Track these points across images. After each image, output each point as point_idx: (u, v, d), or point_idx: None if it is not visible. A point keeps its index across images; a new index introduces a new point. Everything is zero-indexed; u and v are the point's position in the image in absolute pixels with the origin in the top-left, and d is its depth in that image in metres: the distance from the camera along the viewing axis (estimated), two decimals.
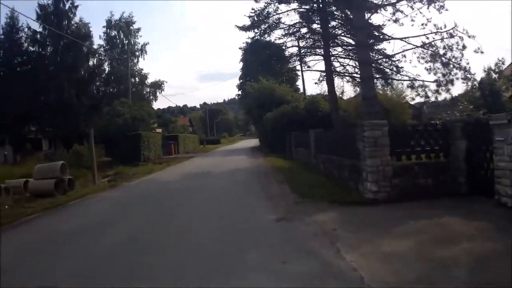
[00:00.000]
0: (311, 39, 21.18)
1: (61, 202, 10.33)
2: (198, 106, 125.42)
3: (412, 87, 17.82)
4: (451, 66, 15.97)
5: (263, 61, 31.37)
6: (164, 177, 15.39)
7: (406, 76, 17.98)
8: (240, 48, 25.78)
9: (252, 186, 10.89)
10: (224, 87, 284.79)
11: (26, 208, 9.94)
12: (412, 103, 23.97)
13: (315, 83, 22.02)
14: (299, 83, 42.60)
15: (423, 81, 17.20)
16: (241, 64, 46.26)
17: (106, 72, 40.30)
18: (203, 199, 9.50)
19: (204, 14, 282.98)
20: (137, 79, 42.04)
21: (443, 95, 17.42)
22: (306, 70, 21.71)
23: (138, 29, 42.59)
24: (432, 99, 18.43)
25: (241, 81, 46.15)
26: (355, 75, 21.43)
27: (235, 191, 10.26)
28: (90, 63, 32.81)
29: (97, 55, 33.69)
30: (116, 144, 23.11)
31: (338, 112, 19.12)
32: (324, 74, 21.12)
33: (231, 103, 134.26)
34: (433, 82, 16.78)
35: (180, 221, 7.13)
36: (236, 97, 48.76)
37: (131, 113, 24.15)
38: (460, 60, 15.78)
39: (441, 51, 15.88)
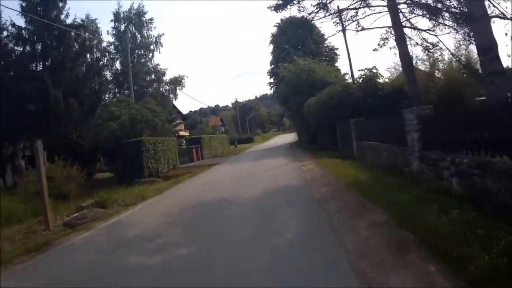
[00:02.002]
0: None
1: None
2: (230, 105, 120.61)
3: None
4: None
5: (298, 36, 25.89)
6: (147, 217, 8.88)
7: None
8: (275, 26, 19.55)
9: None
10: (255, 84, 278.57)
11: None
12: None
13: (374, 49, 16.23)
14: (338, 63, 36.04)
15: None
16: (271, 48, 39.75)
17: (119, 71, 35.86)
18: None
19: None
20: (153, 76, 36.95)
21: None
22: (361, 30, 15.89)
23: (151, 20, 37.59)
24: None
25: (272, 66, 38.78)
26: (431, 32, 16.10)
27: None
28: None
29: (98, 51, 28.78)
30: (113, 155, 17.76)
31: (416, 84, 13.06)
32: (387, 34, 15.89)
33: (262, 99, 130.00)
34: None
35: None
36: (269, 86, 41.29)
37: (130, 113, 18.53)
38: None
39: None
